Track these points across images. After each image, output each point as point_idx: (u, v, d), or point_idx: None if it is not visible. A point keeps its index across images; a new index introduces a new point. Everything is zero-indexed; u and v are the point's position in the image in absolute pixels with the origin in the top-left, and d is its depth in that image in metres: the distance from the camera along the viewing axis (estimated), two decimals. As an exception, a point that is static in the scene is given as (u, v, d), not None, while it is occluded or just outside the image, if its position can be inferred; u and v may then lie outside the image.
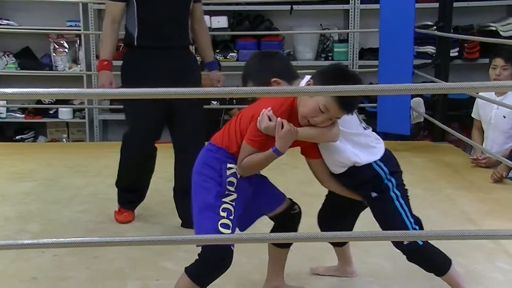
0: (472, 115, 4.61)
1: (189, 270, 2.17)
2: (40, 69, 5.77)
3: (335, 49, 5.98)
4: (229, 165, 2.20)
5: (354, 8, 5.80)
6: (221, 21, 5.79)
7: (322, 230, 2.50)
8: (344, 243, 2.60)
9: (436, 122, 4.84)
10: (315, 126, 2.18)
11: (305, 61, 5.92)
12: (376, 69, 5.09)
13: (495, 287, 2.56)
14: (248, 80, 2.37)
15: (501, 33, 5.66)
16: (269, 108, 2.13)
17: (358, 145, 2.28)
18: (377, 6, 4.99)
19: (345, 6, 5.83)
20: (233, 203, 2.18)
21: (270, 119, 2.12)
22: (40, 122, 5.95)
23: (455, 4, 4.91)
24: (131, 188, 3.29)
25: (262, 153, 2.18)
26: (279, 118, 2.11)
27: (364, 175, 2.28)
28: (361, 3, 5.77)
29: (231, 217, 2.16)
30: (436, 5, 5.02)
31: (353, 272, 2.65)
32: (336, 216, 2.51)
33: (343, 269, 2.65)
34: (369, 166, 2.27)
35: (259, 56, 2.51)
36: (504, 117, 4.24)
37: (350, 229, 2.52)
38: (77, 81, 5.87)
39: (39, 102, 5.87)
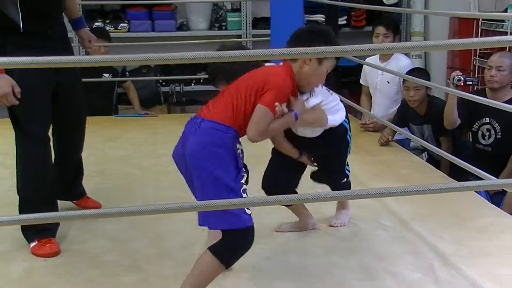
0: (360, 81, 4.76)
1: (216, 250, 2.07)
2: None
3: (229, 19, 5.95)
4: (238, 145, 2.16)
5: (246, -23, 5.78)
6: (111, -10, 5.59)
7: (268, 194, 2.60)
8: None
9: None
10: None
11: (198, 31, 5.86)
12: (269, 38, 5.11)
13: (378, 242, 2.67)
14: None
15: (385, 1, 5.84)
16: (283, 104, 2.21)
17: (331, 110, 2.54)
18: (268, -25, 4.99)
19: (237, -24, 5.81)
20: (246, 183, 2.14)
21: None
22: None
23: (342, -27, 5.00)
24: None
25: (281, 118, 2.22)
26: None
27: (338, 132, 2.60)
28: (252, -27, 5.76)
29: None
30: (324, -26, 5.09)
31: (314, 224, 2.79)
32: (282, 178, 2.65)
33: (304, 223, 2.77)
34: (341, 124, 2.60)
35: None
36: (388, 82, 4.41)
37: (295, 188, 2.67)
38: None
39: None
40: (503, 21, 4.83)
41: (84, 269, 2.44)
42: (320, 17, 5.79)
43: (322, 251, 2.59)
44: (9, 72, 2.54)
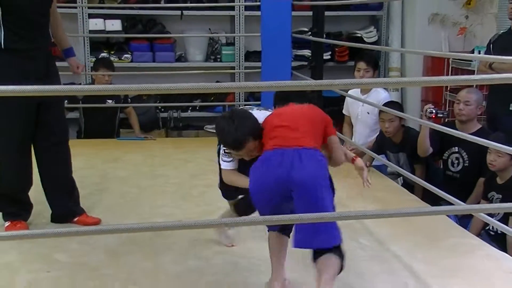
0: (343, 111, 4.78)
1: (339, 253, 2.14)
2: None
3: (223, 52, 5.98)
4: None
5: (239, 14, 5.83)
6: (115, 24, 5.61)
7: None
8: None
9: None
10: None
11: (195, 62, 5.89)
12: (260, 70, 5.14)
13: (357, 261, 2.65)
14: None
15: (365, 39, 5.91)
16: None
17: None
18: (259, 13, 5.04)
19: (231, 13, 5.84)
20: None
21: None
22: None
23: (327, 13, 5.04)
24: (15, 199, 2.99)
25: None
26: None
27: None
28: (245, 10, 5.80)
29: None
30: (310, 13, 5.15)
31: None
32: None
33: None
34: None
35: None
36: (368, 113, 4.43)
37: None
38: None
39: None
40: (470, 60, 4.91)
41: (84, 282, 2.41)
42: (306, 52, 5.84)
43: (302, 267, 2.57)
44: None
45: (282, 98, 2.42)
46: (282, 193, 2.09)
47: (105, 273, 2.49)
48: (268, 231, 2.28)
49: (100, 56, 5.47)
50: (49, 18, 2.94)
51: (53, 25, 3.01)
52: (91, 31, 5.56)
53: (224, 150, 2.43)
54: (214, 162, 2.63)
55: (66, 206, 3.04)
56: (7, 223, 2.94)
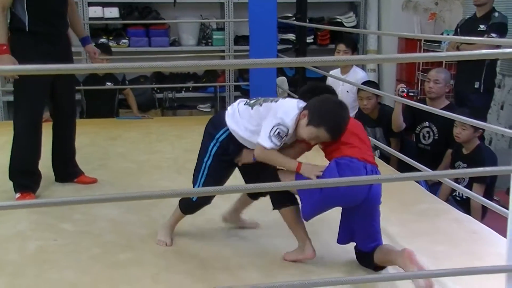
0: (324, 90, 4.79)
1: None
2: None
3: (214, 36, 5.95)
4: None
5: (229, 1, 5.80)
6: (113, 12, 5.57)
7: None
8: (257, 196, 2.48)
9: (296, 97, 4.97)
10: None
11: (188, 46, 5.86)
12: (248, 53, 5.13)
13: (336, 224, 2.68)
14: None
15: (344, 23, 5.91)
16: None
17: None
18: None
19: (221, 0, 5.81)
20: None
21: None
22: None
23: (309, 0, 5.03)
24: (28, 171, 3.03)
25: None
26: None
27: None
28: (234, -3, 5.78)
29: None
30: (294, 0, 5.13)
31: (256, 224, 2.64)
32: None
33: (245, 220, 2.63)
34: None
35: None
36: (348, 91, 4.45)
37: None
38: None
39: None
40: (440, 42, 4.93)
41: (88, 248, 2.44)
42: (291, 36, 5.82)
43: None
44: (14, 54, 2.78)
45: (309, 91, 2.33)
46: (354, 203, 2.11)
47: (107, 240, 2.52)
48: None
49: (99, 42, 5.42)
50: (67, 7, 3.07)
51: (70, 14, 3.13)
52: (90, 18, 5.51)
53: (280, 132, 2.13)
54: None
55: (69, 169, 3.25)
56: (17, 195, 2.97)
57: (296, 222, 2.27)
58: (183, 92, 5.95)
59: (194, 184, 2.35)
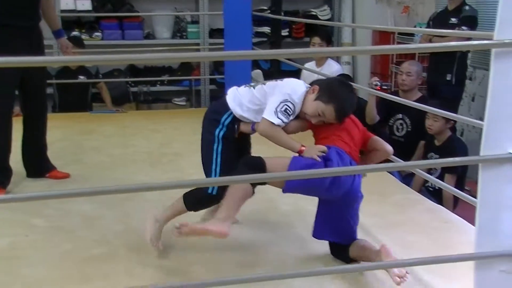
0: (300, 83, 4.79)
1: None
2: None
3: (189, 29, 5.89)
4: None
5: (203, -7, 5.75)
6: (85, 4, 5.49)
7: None
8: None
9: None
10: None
11: (162, 39, 5.79)
12: (223, 46, 5.10)
13: (311, 217, 2.68)
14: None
15: (319, 17, 5.92)
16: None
17: None
18: (221, -8, 4.97)
19: (196, -8, 5.77)
20: None
21: None
22: None
23: (284, -7, 5.03)
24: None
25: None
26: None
27: None
28: (209, -10, 5.72)
29: None
30: (269, -8, 5.12)
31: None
32: None
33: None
34: None
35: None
36: (322, 84, 4.46)
37: None
38: None
39: None
40: (413, 35, 4.98)
41: (60, 243, 2.39)
42: (266, 29, 5.81)
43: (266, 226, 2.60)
44: None
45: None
46: (337, 194, 2.09)
47: (79, 235, 2.48)
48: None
49: (71, 35, 5.32)
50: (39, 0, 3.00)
51: (45, 6, 3.07)
52: (62, 11, 5.39)
53: (287, 108, 2.08)
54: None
55: (41, 164, 3.18)
56: None
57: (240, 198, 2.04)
58: (158, 85, 5.89)
59: (209, 176, 2.19)
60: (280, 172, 2.01)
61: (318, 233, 2.22)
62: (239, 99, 2.20)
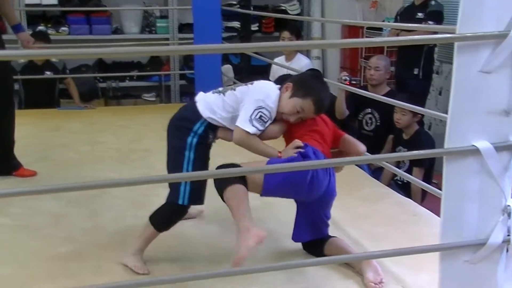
0: (270, 78, 4.79)
1: None
2: None
3: (158, 24, 5.83)
4: None
5: (172, -12, 5.69)
6: (51, -2, 5.35)
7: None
8: None
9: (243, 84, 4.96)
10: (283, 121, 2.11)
11: (131, 34, 5.72)
12: (193, 41, 5.06)
13: (282, 211, 2.67)
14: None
15: (289, 11, 5.93)
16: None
17: None
18: (191, -14, 4.93)
19: (164, -14, 5.70)
20: None
21: None
22: None
23: (253, -13, 5.01)
24: None
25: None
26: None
27: None
28: (178, -16, 5.67)
29: None
30: (238, -13, 5.10)
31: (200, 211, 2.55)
32: None
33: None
34: None
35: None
36: (292, 79, 4.46)
37: None
38: None
39: None
40: (381, 30, 5.03)
41: (26, 242, 2.34)
42: (236, 24, 5.79)
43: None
44: None
45: (282, 80, 2.24)
46: (317, 194, 2.09)
47: (46, 233, 2.43)
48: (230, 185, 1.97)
49: (37, 30, 5.19)
50: None
51: (0, 1, 2.99)
52: (27, 5, 5.27)
53: (262, 115, 2.03)
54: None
55: (7, 162, 3.11)
56: None
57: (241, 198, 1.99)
58: (127, 81, 5.82)
59: (177, 186, 2.04)
60: (258, 176, 1.97)
61: (297, 236, 2.22)
62: (210, 106, 2.09)
